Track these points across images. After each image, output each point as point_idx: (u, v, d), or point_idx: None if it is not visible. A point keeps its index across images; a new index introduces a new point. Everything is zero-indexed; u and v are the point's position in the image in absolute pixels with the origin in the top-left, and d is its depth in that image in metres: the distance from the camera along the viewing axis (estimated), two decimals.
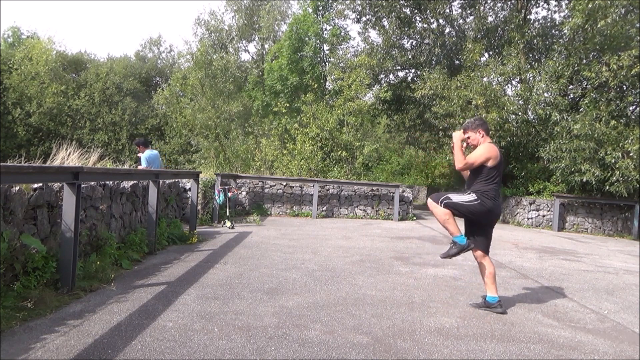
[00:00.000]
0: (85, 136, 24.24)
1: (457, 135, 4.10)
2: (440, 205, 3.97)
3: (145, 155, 8.00)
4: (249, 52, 32.66)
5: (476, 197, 3.95)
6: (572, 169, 11.80)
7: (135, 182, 6.19)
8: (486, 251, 4.22)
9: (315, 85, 18.12)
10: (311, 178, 13.22)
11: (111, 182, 5.46)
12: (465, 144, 4.18)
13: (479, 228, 4.17)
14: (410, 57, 17.69)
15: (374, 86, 18.02)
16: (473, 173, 4.04)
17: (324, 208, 12.57)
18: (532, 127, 14.27)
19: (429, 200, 4.11)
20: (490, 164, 3.92)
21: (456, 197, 3.99)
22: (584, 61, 12.84)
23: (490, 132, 13.52)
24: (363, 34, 18.49)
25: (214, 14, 25.05)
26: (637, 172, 10.79)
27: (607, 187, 11.42)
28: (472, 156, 3.94)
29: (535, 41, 15.78)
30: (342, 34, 20.62)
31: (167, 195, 7.94)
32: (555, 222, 12.33)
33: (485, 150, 3.91)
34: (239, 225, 9.60)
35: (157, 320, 3.40)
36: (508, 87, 15.71)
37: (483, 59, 15.37)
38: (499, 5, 16.83)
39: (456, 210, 3.99)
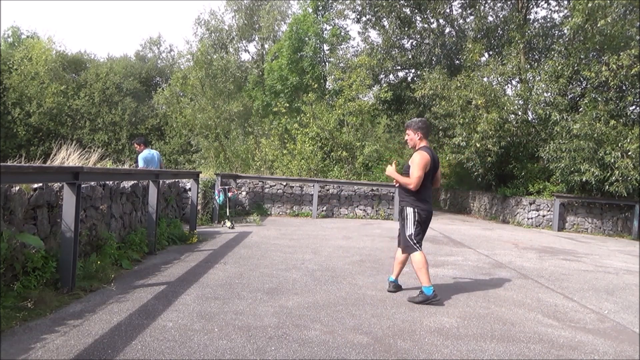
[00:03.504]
0: (85, 136, 24.21)
1: (391, 170, 4.40)
2: (418, 249, 4.24)
3: (143, 155, 8.00)
4: (249, 52, 32.65)
5: (413, 212, 4.26)
6: (572, 169, 11.80)
7: (135, 182, 6.19)
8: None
9: (315, 85, 18.11)
10: (311, 178, 13.21)
11: (111, 182, 5.46)
12: (395, 162, 4.52)
13: (423, 229, 4.38)
14: (410, 57, 17.68)
15: (374, 86, 18.01)
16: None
17: (324, 208, 12.57)
18: (532, 127, 14.26)
19: (408, 255, 4.39)
20: (425, 170, 4.26)
21: (411, 229, 4.26)
22: (584, 61, 12.83)
23: (490, 132, 13.51)
24: (363, 34, 18.49)
25: (214, 14, 25.06)
26: (636, 172, 10.78)
27: (607, 187, 11.41)
28: (414, 172, 4.18)
29: (535, 41, 15.78)
30: (342, 34, 20.60)
31: (167, 195, 7.94)
32: (555, 222, 12.33)
33: (420, 161, 4.19)
34: (239, 225, 9.60)
35: (157, 320, 3.40)
36: (508, 87, 15.73)
37: (483, 59, 15.36)
38: (499, 5, 16.83)
39: (421, 235, 4.32)
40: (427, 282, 4.18)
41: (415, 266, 4.23)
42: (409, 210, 4.27)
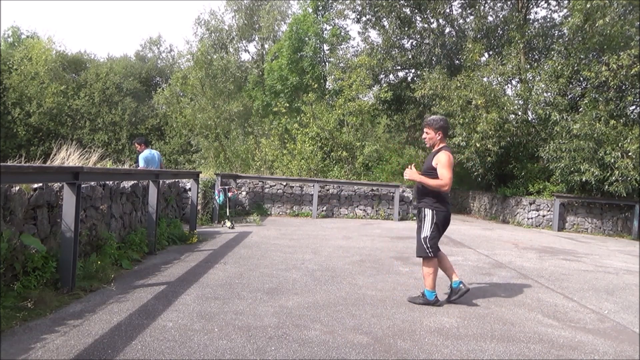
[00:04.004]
0: (85, 136, 24.22)
1: (413, 174, 4.12)
2: (431, 255, 4.12)
3: (143, 155, 8.01)
4: (249, 52, 32.66)
5: (432, 213, 4.12)
6: (572, 169, 11.80)
7: (135, 182, 6.19)
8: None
9: (315, 85, 18.12)
10: (311, 178, 13.21)
11: (111, 182, 5.46)
12: (413, 165, 4.25)
13: (440, 232, 4.22)
14: (410, 57, 17.68)
15: (374, 86, 18.02)
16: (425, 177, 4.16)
17: (324, 208, 12.57)
18: (532, 127, 14.26)
19: (444, 256, 4.31)
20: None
21: (427, 231, 4.12)
22: (584, 61, 12.83)
23: (490, 132, 13.47)
24: (363, 34, 18.50)
25: (214, 14, 25.06)
26: (636, 172, 10.78)
27: (607, 187, 11.41)
28: (445, 172, 4.00)
29: (535, 41, 15.79)
30: (342, 34, 20.62)
31: (167, 195, 7.94)
32: (555, 222, 12.33)
33: (447, 160, 4.03)
34: (239, 225, 9.60)
35: (157, 320, 3.40)
36: (508, 87, 15.73)
37: (483, 59, 15.36)
38: (499, 5, 16.84)
39: (436, 239, 4.16)
40: (431, 287, 4.15)
41: (425, 270, 4.17)
42: (427, 212, 4.12)
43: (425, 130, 4.28)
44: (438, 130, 4.18)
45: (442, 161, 4.03)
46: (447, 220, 4.19)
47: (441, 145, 4.20)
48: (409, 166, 4.24)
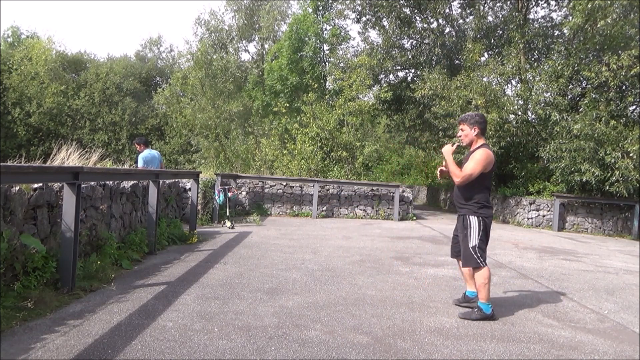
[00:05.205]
0: (85, 136, 24.25)
1: (447, 150, 3.96)
2: (482, 264, 3.78)
3: (143, 155, 7.99)
4: (249, 52, 32.72)
5: (478, 220, 3.82)
6: (572, 169, 11.80)
7: (135, 182, 6.19)
8: None
9: (315, 85, 18.13)
10: (311, 178, 13.21)
11: (111, 182, 5.46)
12: (456, 145, 4.04)
13: (487, 238, 3.94)
14: (410, 57, 17.68)
15: (374, 86, 18.02)
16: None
17: (324, 208, 12.57)
18: (532, 127, 14.26)
19: (470, 270, 3.98)
20: (484, 170, 3.81)
21: (475, 240, 3.80)
22: (584, 61, 12.83)
23: (490, 132, 13.43)
24: (363, 34, 18.50)
25: (214, 14, 25.10)
26: (636, 172, 10.78)
27: (607, 187, 11.41)
28: (469, 167, 3.77)
29: (535, 41, 15.79)
30: (342, 34, 20.63)
31: (167, 195, 7.94)
32: (555, 222, 12.32)
33: (482, 158, 3.76)
34: (239, 225, 9.60)
35: (157, 320, 3.40)
36: (508, 87, 15.72)
37: (483, 59, 15.36)
38: (498, 5, 16.84)
39: (484, 246, 3.87)
40: (487, 299, 3.79)
41: (479, 281, 3.78)
42: (473, 220, 3.79)
43: (460, 127, 3.98)
44: (474, 126, 3.88)
45: (476, 157, 3.77)
46: (491, 223, 3.92)
47: (480, 142, 3.90)
48: (451, 144, 4.00)
